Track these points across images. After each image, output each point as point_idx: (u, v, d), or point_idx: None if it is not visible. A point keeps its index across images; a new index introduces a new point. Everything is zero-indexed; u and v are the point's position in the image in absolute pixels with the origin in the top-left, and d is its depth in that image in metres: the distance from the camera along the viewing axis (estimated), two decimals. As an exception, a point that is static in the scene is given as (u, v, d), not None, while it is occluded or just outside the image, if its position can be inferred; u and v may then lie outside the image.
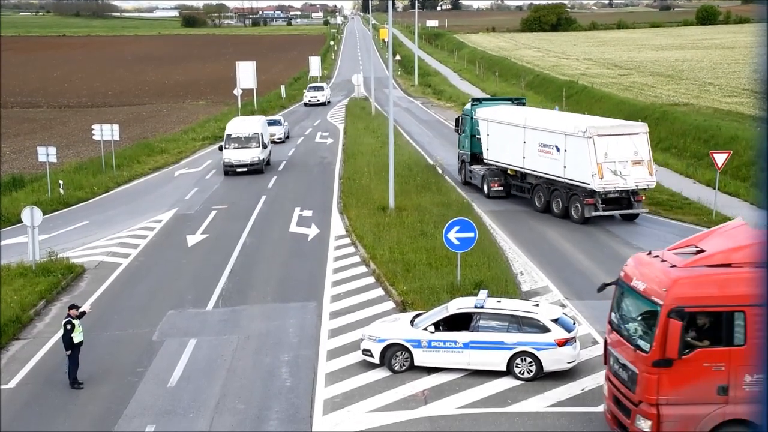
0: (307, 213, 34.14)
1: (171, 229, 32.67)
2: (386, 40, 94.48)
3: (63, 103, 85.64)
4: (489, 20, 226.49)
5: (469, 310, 18.27)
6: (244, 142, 43.75)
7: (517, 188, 35.53)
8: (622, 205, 31.66)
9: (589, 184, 30.58)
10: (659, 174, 40.61)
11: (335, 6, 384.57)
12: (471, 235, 21.88)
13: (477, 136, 37.79)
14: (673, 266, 14.05)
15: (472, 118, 38.49)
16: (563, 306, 21.65)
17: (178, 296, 24.33)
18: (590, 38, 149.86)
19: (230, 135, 44.09)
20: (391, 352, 18.30)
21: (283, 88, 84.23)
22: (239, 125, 45.42)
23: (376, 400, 17.11)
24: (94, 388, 18.20)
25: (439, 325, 18.31)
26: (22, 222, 27.20)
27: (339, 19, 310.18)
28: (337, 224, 32.11)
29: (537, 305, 19.03)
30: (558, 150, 31.95)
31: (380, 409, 16.72)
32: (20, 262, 26.54)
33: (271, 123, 53.01)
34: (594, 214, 31.12)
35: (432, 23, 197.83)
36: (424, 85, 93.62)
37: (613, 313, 15.28)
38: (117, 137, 44.68)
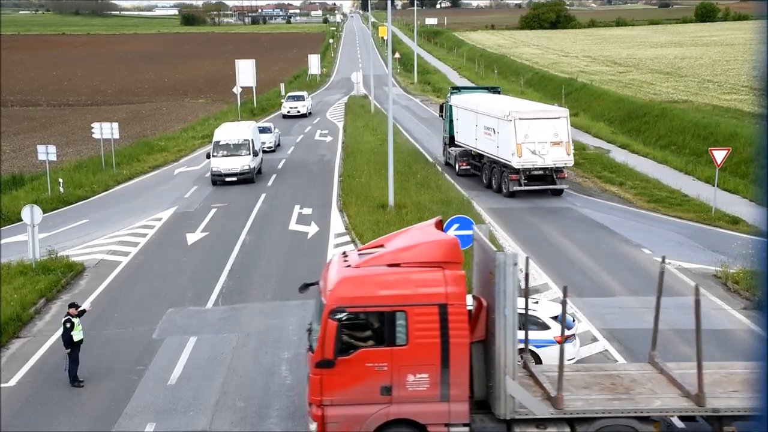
0: (307, 211, 34.15)
1: (171, 227, 32.69)
2: (385, 38, 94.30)
3: (63, 102, 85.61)
4: (488, 18, 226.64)
5: (469, 308, 18.22)
6: (233, 150, 40.75)
7: (475, 167, 39.07)
8: (545, 181, 34.98)
9: (510, 161, 33.78)
10: (659, 171, 40.91)
11: (334, 4, 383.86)
12: (470, 232, 21.83)
13: (453, 120, 41.37)
14: (349, 266, 13.88)
15: (450, 104, 42.15)
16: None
17: (178, 294, 24.34)
18: (589, 35, 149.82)
19: (218, 142, 41.16)
20: (391, 349, 18.31)
21: (282, 86, 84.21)
22: (228, 131, 42.51)
23: (376, 397, 17.11)
24: (94, 387, 18.21)
25: (438, 323, 18.30)
26: (22, 220, 27.21)
27: (338, 17, 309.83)
28: (337, 222, 32.13)
29: (537, 302, 19.03)
30: (494, 132, 35.28)
31: (380, 406, 16.73)
32: (20, 260, 26.54)
33: (261, 130, 49.18)
34: (517, 188, 34.67)
35: (431, 21, 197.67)
36: (423, 82, 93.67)
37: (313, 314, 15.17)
38: (117, 135, 44.67)
